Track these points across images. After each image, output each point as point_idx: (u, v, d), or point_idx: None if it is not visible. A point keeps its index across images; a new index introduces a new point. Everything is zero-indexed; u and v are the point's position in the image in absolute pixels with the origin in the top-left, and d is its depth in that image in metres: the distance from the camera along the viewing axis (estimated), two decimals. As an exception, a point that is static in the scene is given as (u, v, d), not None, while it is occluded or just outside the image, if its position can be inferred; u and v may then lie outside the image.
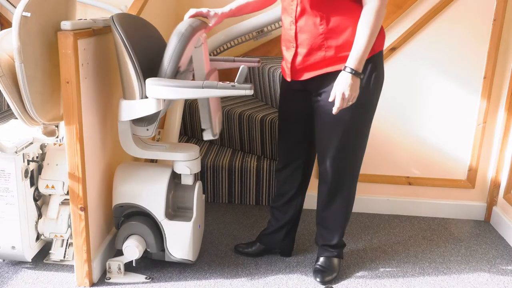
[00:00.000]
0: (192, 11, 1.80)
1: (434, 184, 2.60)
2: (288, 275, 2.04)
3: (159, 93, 1.62)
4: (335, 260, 2.05)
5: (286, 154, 2.03)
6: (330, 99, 1.67)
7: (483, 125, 2.49)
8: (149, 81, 1.62)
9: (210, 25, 1.82)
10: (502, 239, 2.41)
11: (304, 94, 1.87)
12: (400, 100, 2.49)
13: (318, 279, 1.99)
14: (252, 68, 3.09)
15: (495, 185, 2.54)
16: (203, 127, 1.90)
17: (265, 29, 2.94)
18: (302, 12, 1.71)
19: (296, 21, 1.73)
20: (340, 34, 1.70)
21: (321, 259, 2.04)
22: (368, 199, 2.65)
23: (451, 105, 2.48)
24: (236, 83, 1.56)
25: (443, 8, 2.35)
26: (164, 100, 1.73)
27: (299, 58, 1.77)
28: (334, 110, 1.67)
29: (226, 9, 1.87)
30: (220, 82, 1.57)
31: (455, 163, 2.57)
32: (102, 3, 3.12)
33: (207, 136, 1.90)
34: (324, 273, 2.00)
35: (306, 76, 1.79)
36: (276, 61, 3.05)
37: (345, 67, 1.64)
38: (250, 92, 1.56)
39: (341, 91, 1.64)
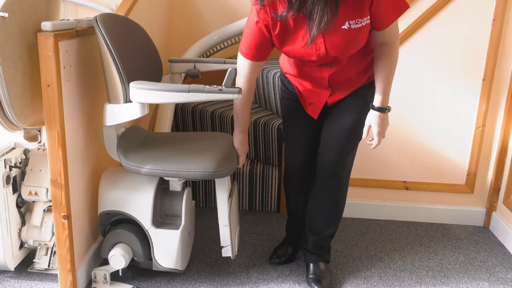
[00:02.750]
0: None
1: (431, 188, 2.54)
2: (281, 284, 1.97)
3: (143, 97, 1.55)
4: (326, 265, 2.00)
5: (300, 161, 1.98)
6: (364, 137, 1.74)
7: (482, 128, 2.42)
8: (133, 84, 1.55)
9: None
10: (502, 246, 2.34)
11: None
12: (397, 103, 2.42)
13: None
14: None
15: (495, 190, 2.47)
16: (222, 244, 1.89)
17: (259, 29, 2.88)
18: (336, 71, 1.68)
19: (329, 77, 1.71)
20: (370, 67, 1.73)
21: (312, 267, 1.98)
22: (364, 204, 2.58)
23: (449, 107, 2.42)
24: (223, 87, 1.50)
25: (441, 8, 2.28)
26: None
27: (334, 97, 1.77)
28: (372, 147, 1.73)
29: (242, 129, 1.83)
30: (207, 86, 1.50)
31: (453, 167, 2.51)
32: (92, 3, 3.05)
33: (227, 253, 1.90)
34: (321, 281, 1.94)
35: (334, 102, 1.80)
36: (270, 63, 2.98)
37: (378, 107, 1.68)
38: (238, 96, 1.50)
39: (377, 130, 1.70)
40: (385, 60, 1.63)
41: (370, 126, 1.71)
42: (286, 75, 1.86)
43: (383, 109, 1.68)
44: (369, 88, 1.74)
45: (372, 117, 1.70)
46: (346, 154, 1.81)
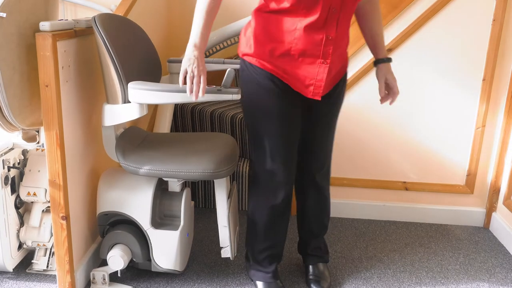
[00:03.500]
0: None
1: (431, 189, 2.53)
2: (280, 285, 1.97)
3: (141, 98, 1.54)
4: (325, 266, 2.00)
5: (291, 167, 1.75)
6: (383, 95, 1.73)
7: (482, 128, 2.41)
8: (131, 85, 1.54)
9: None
10: (502, 247, 2.33)
11: (304, 104, 1.70)
12: (396, 103, 2.42)
13: None
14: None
15: (495, 191, 2.47)
16: (222, 245, 1.89)
17: (259, 29, 2.87)
18: (341, 26, 1.54)
19: (335, 38, 1.54)
20: (348, 37, 1.68)
21: (312, 268, 1.98)
22: (363, 204, 2.58)
23: (449, 108, 2.41)
24: (222, 87, 1.49)
25: (441, 8, 2.28)
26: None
27: (331, 74, 1.62)
28: (393, 101, 1.74)
29: (197, 41, 1.51)
30: (206, 86, 1.50)
31: (453, 168, 2.50)
32: (91, 3, 3.05)
33: (226, 254, 1.89)
34: (320, 282, 1.93)
35: (329, 88, 1.68)
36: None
37: (387, 58, 1.73)
38: (237, 96, 1.49)
39: (393, 80, 1.72)
40: (377, 15, 1.69)
41: (385, 82, 1.73)
42: (268, 68, 1.58)
43: (390, 59, 1.73)
44: (342, 95, 1.78)
45: (385, 69, 1.72)
46: (331, 153, 1.88)
